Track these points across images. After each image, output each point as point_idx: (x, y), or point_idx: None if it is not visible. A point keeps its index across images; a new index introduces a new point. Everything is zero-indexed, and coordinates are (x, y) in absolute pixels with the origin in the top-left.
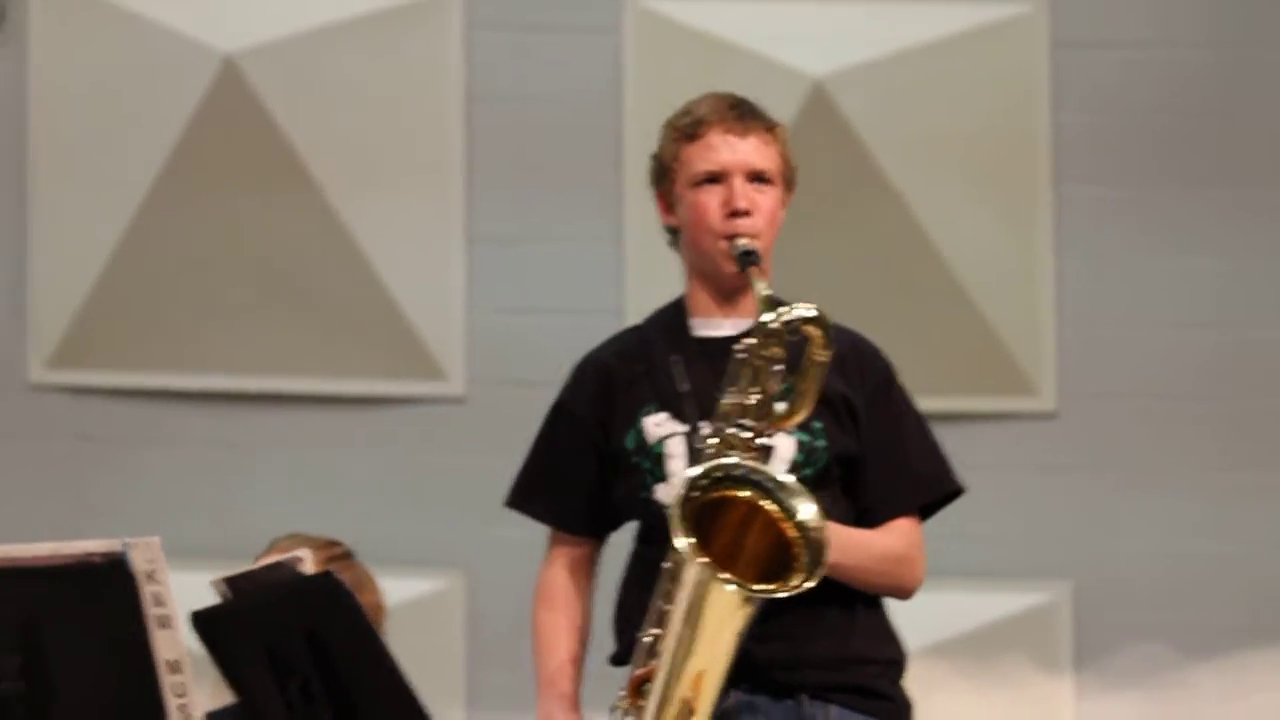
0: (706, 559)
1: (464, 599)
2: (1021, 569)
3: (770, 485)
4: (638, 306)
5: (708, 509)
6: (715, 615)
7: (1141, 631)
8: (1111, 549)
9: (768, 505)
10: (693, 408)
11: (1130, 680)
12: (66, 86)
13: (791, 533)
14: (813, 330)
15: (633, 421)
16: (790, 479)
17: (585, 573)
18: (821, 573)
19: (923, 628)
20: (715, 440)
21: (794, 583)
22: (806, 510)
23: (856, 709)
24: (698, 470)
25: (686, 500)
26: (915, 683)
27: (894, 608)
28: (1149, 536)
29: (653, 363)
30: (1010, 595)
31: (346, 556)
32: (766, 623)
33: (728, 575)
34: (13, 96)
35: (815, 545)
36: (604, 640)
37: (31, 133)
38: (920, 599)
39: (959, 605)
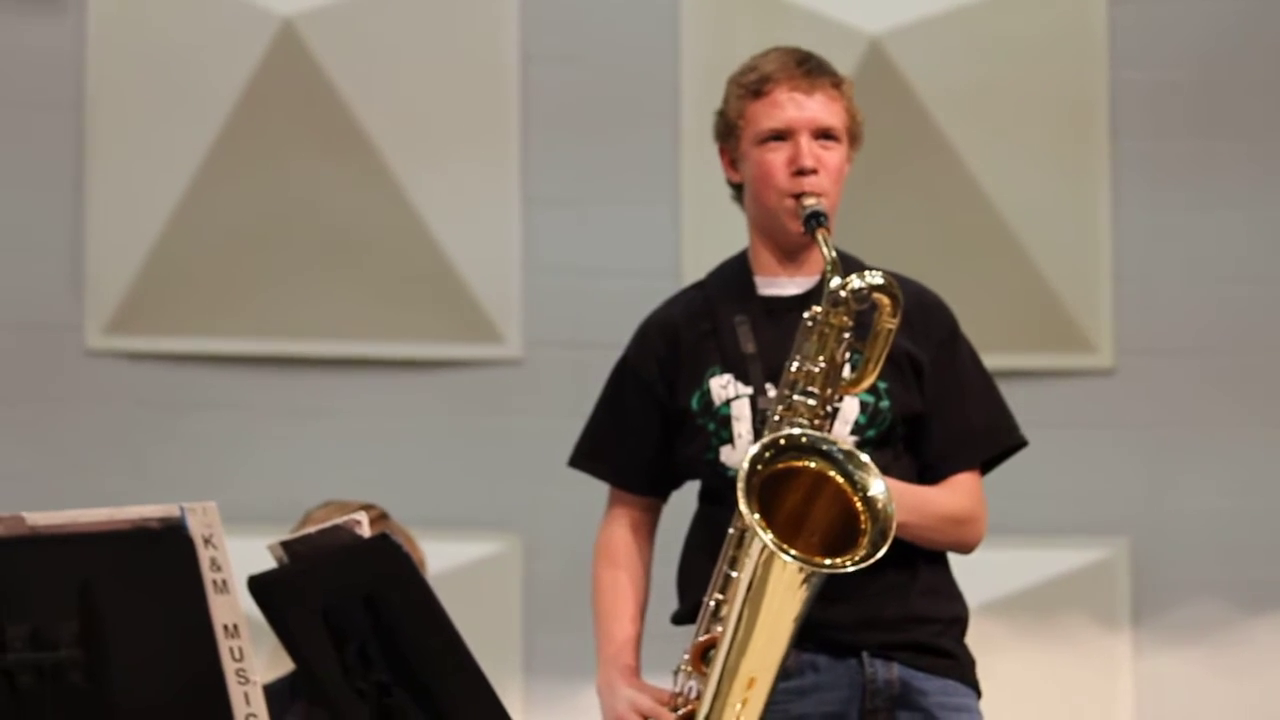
0: (772, 534)
1: (521, 562)
2: (1079, 526)
3: (840, 456)
4: (694, 267)
5: (775, 476)
6: (779, 588)
7: (1199, 587)
8: (1169, 505)
9: (836, 476)
10: (758, 370)
11: (1188, 636)
12: (124, 51)
13: (858, 505)
14: (882, 298)
15: (699, 383)
16: (861, 453)
17: (645, 532)
18: (883, 551)
19: (981, 585)
20: (782, 408)
21: (857, 557)
22: (876, 487)
23: (919, 667)
24: (765, 440)
25: (753, 472)
26: (973, 639)
27: (951, 565)
28: (1206, 492)
29: (717, 323)
30: (1068, 552)
31: (383, 518)
32: (827, 582)
33: (792, 550)
34: (71, 61)
35: (881, 523)
36: (660, 601)
37: (89, 97)
38: (978, 556)
39: (1017, 562)
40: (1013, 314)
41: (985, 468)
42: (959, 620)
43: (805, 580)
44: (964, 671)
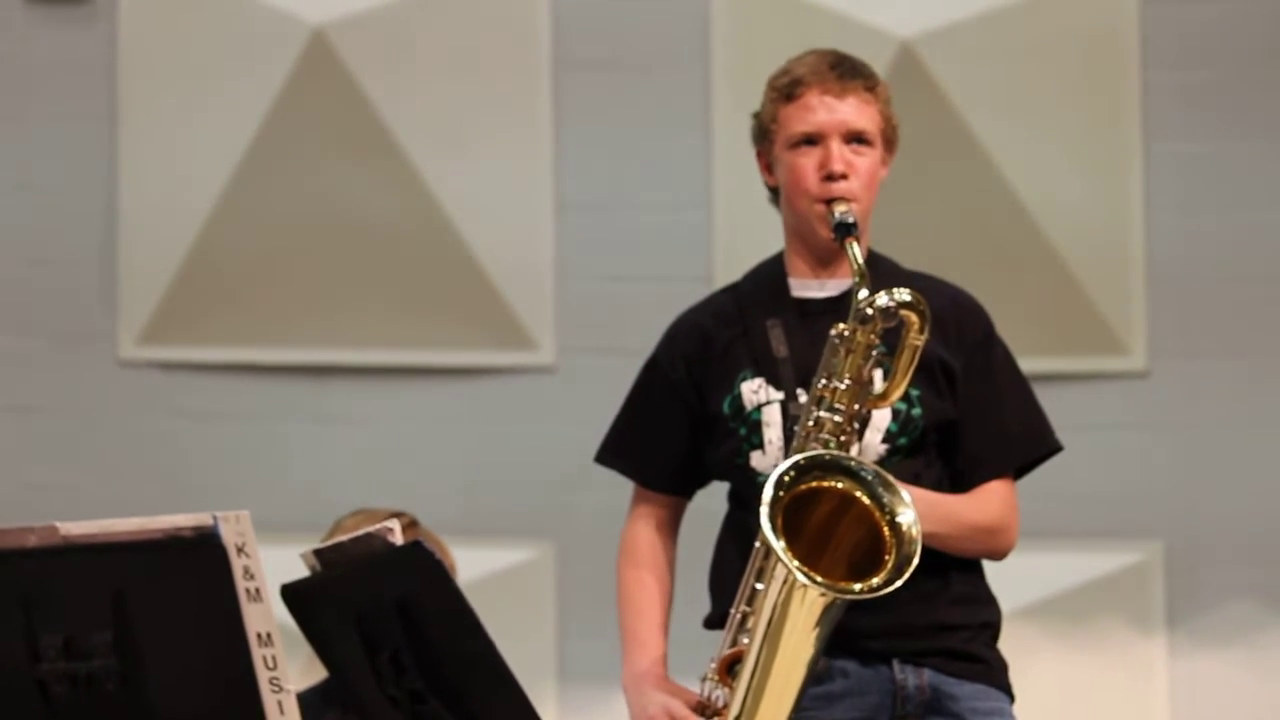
0: (798, 562)
1: (554, 569)
2: (1113, 529)
3: (868, 478)
4: (728, 272)
5: (802, 495)
6: (803, 608)
7: (1234, 590)
8: (1204, 508)
9: (863, 497)
10: (789, 374)
11: (1223, 639)
12: (156, 59)
13: (885, 530)
14: (910, 314)
15: (730, 387)
16: (891, 477)
17: (669, 531)
18: (903, 580)
19: (1015, 589)
20: (810, 424)
21: (879, 580)
22: (906, 516)
23: (950, 673)
24: (788, 462)
25: (776, 499)
26: (1008, 643)
27: (986, 569)
28: (1241, 495)
29: (749, 325)
30: (1102, 555)
31: (414, 525)
32: None
33: (818, 578)
34: (103, 69)
35: (905, 550)
36: (682, 602)
37: (121, 105)
38: (1012, 561)
39: (1051, 566)
40: (1046, 317)
41: (1019, 473)
42: (990, 625)
43: (830, 603)
44: (996, 676)
